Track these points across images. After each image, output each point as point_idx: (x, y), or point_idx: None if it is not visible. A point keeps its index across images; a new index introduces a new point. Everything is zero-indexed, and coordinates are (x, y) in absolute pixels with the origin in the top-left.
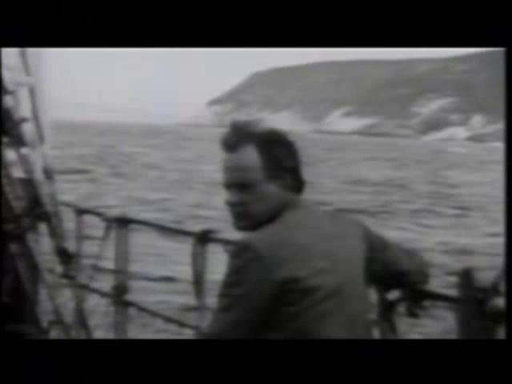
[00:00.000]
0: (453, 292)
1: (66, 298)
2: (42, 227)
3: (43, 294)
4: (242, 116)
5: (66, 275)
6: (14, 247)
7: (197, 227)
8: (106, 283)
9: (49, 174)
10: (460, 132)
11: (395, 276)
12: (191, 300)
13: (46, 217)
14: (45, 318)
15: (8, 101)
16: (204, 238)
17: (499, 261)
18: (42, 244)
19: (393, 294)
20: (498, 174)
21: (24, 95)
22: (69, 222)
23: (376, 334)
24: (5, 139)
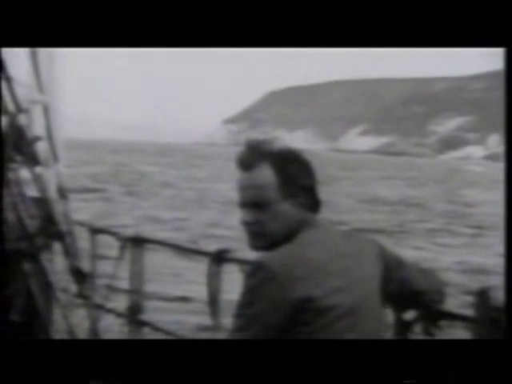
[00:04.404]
0: (469, 312)
1: (80, 318)
2: (56, 246)
3: (57, 314)
4: (257, 134)
5: (80, 295)
6: (27, 266)
7: (212, 247)
8: (120, 303)
9: (63, 192)
10: (477, 151)
11: (411, 295)
12: (206, 320)
13: (59, 236)
14: (59, 338)
15: (22, 119)
16: (219, 258)
17: None
18: (56, 263)
19: (409, 314)
20: None
21: (38, 113)
22: (83, 241)
23: None
24: (18, 158)
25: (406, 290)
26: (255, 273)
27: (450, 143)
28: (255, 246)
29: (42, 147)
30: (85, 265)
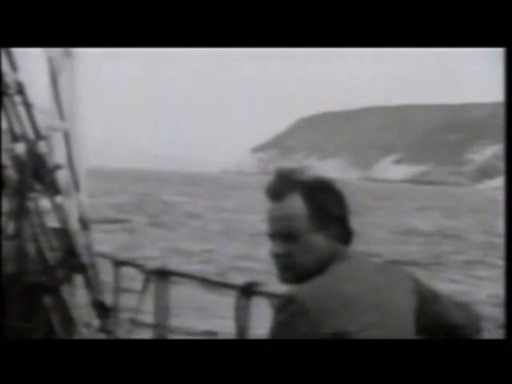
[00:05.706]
0: None
1: None
2: (78, 279)
3: None
4: (287, 163)
5: (103, 329)
6: (48, 300)
7: (240, 280)
8: (144, 338)
9: (84, 223)
10: None
11: (446, 330)
12: None
13: (81, 268)
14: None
15: (42, 147)
16: (248, 291)
17: None
18: (78, 297)
19: None
20: None
21: (58, 140)
22: (106, 274)
23: None
24: (38, 187)
25: (440, 324)
26: (285, 307)
27: (487, 172)
28: (285, 279)
29: (62, 176)
30: (108, 298)
